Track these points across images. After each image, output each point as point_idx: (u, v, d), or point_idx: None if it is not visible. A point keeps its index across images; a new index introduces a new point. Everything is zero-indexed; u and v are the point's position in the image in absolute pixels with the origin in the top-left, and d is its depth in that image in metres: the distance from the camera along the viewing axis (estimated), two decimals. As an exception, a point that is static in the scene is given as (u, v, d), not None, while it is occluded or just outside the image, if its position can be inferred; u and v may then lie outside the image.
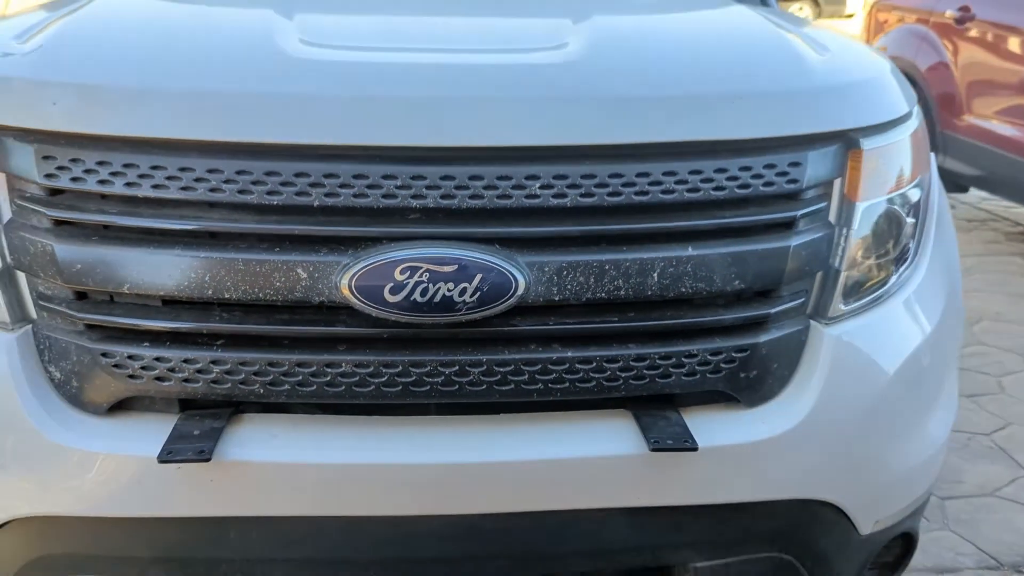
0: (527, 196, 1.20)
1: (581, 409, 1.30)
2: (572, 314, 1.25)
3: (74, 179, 1.20)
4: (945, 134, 5.12)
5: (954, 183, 5.09)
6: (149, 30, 1.52)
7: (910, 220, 1.44)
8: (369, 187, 1.18)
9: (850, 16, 17.67)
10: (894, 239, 1.42)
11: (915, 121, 1.50)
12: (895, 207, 1.41)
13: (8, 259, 1.23)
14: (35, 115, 1.22)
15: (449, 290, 1.17)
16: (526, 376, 1.23)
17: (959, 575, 2.17)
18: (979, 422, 2.95)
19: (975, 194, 5.91)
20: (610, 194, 1.22)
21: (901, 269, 1.44)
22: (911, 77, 5.23)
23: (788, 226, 1.31)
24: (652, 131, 1.25)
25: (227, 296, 1.19)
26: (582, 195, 1.21)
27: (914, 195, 1.46)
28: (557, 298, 1.22)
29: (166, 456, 1.16)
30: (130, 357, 1.20)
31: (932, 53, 5.28)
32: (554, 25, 1.61)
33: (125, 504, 1.21)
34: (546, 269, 1.21)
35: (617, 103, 1.27)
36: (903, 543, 1.55)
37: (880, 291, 1.41)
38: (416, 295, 1.17)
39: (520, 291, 1.19)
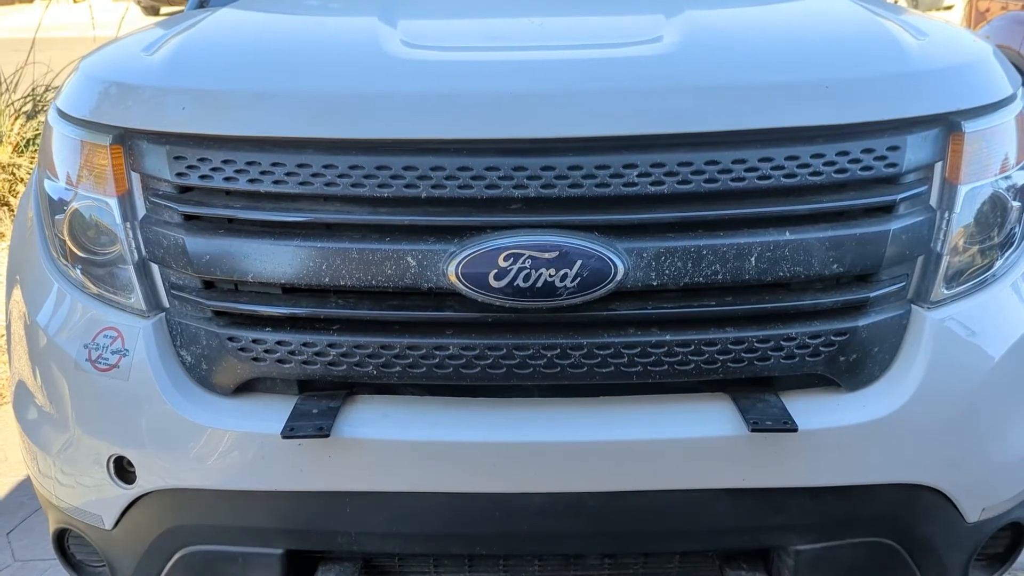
0: (625, 184, 1.24)
1: (680, 392, 1.33)
2: (670, 298, 1.28)
3: (202, 177, 1.29)
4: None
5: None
6: (263, 39, 1.63)
7: (1016, 204, 1.42)
8: (473, 179, 1.24)
9: (949, 8, 17.01)
10: (999, 223, 1.40)
11: (1020, 103, 1.47)
12: (999, 190, 1.39)
13: (144, 252, 1.34)
14: (167, 119, 1.32)
15: (550, 276, 1.22)
16: (626, 359, 1.27)
17: (1075, 576, 2.09)
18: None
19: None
20: (707, 181, 1.25)
21: (1007, 253, 1.41)
22: (1016, 66, 5.01)
23: (887, 210, 1.31)
24: (747, 119, 1.27)
25: (342, 283, 1.26)
26: (679, 182, 1.24)
27: (1019, 178, 1.43)
28: (655, 283, 1.25)
29: (289, 432, 1.24)
30: (254, 341, 1.29)
31: (1039, 40, 5.06)
32: (648, 20, 1.64)
33: (250, 478, 1.30)
34: (644, 255, 1.24)
35: (711, 92, 1.30)
36: (1012, 533, 1.51)
37: (984, 275, 1.39)
38: (519, 281, 1.22)
39: (619, 276, 1.23)
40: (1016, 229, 1.44)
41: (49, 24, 6.20)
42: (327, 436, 1.23)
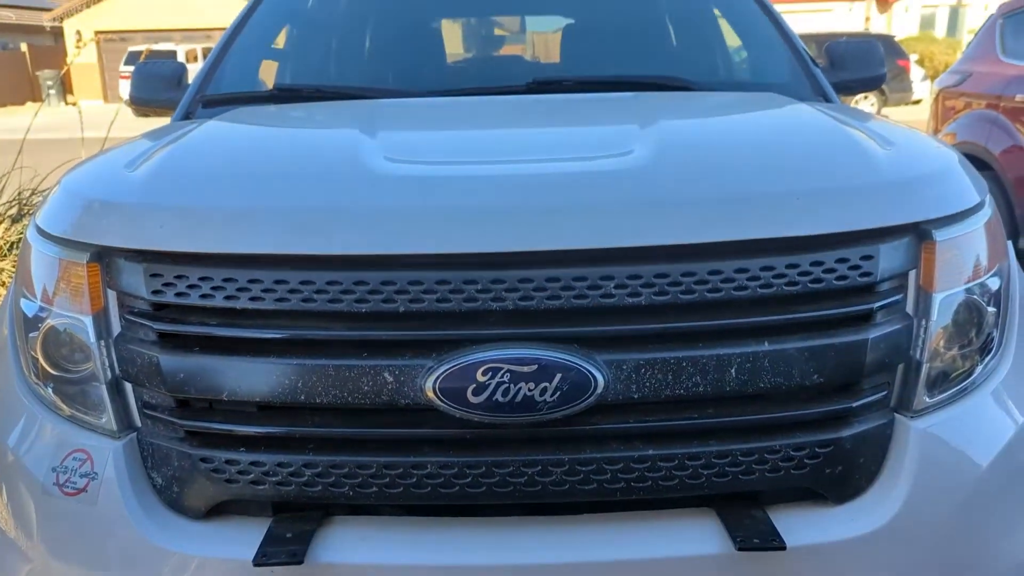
0: (603, 296, 1.24)
1: (664, 507, 1.30)
2: (652, 411, 1.27)
3: (178, 294, 1.29)
4: (1026, 216, 5.00)
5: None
6: (245, 154, 1.65)
7: (991, 309, 1.43)
8: (451, 292, 1.24)
9: (917, 102, 17.65)
10: (976, 329, 1.40)
11: (988, 210, 1.50)
12: (974, 297, 1.40)
13: (117, 370, 1.32)
14: (145, 237, 1.32)
15: (530, 390, 1.20)
16: (608, 475, 1.24)
17: None
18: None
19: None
20: (683, 292, 1.25)
21: (986, 359, 1.42)
22: (985, 162, 5.16)
23: (865, 319, 1.31)
24: (720, 230, 1.29)
25: (318, 401, 1.24)
26: (656, 294, 1.25)
27: (993, 284, 1.44)
28: (636, 396, 1.24)
29: (261, 559, 1.20)
30: (227, 462, 1.26)
31: (1005, 137, 5.22)
32: (623, 131, 1.68)
33: (220, 607, 1.25)
34: (624, 367, 1.23)
35: (684, 205, 1.32)
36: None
37: (966, 382, 1.38)
38: (498, 395, 1.20)
39: (600, 389, 1.22)
40: (994, 335, 1.44)
41: (40, 126, 6.30)
42: (301, 563, 1.19)
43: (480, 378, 1.21)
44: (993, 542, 1.35)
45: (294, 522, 1.26)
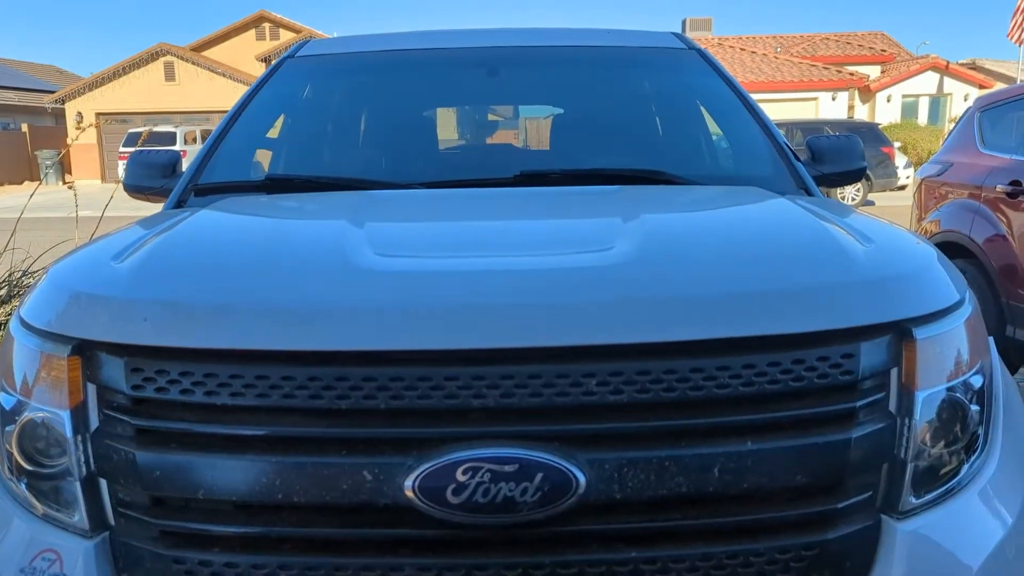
0: (584, 393, 1.24)
1: None
2: (634, 512, 1.25)
3: (158, 389, 1.28)
4: (1011, 305, 5.05)
5: (1026, 355, 4.96)
6: (231, 247, 1.66)
7: (975, 407, 1.42)
8: (432, 389, 1.23)
9: (902, 187, 17.98)
10: (960, 427, 1.40)
11: (968, 307, 1.51)
12: (957, 395, 1.40)
13: (92, 466, 1.30)
14: (127, 331, 1.32)
15: (510, 490, 1.19)
16: (590, 578, 1.22)
17: None
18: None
19: (1051, 364, 5.71)
20: (665, 390, 1.25)
21: (972, 458, 1.41)
22: (968, 250, 5.24)
23: (847, 417, 1.31)
24: (702, 328, 1.29)
25: (295, 500, 1.22)
26: (637, 391, 1.24)
27: (976, 382, 1.45)
28: (618, 496, 1.22)
29: None
30: (200, 563, 1.23)
31: (987, 226, 5.31)
32: (604, 226, 1.70)
33: None
34: (606, 466, 1.22)
35: (665, 303, 1.32)
36: None
37: (952, 482, 1.37)
38: (478, 496, 1.19)
39: (581, 490, 1.20)
40: (979, 432, 1.44)
41: (38, 204, 6.35)
42: None
43: (460, 477, 1.19)
44: (986, 649, 1.32)
45: None
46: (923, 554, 1.29)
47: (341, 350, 1.27)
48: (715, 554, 1.23)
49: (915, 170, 6.71)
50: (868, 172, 17.16)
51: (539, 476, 1.20)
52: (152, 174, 2.59)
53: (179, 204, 2.35)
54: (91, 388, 1.33)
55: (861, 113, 30.34)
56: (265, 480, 1.23)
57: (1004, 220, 5.16)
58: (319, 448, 1.24)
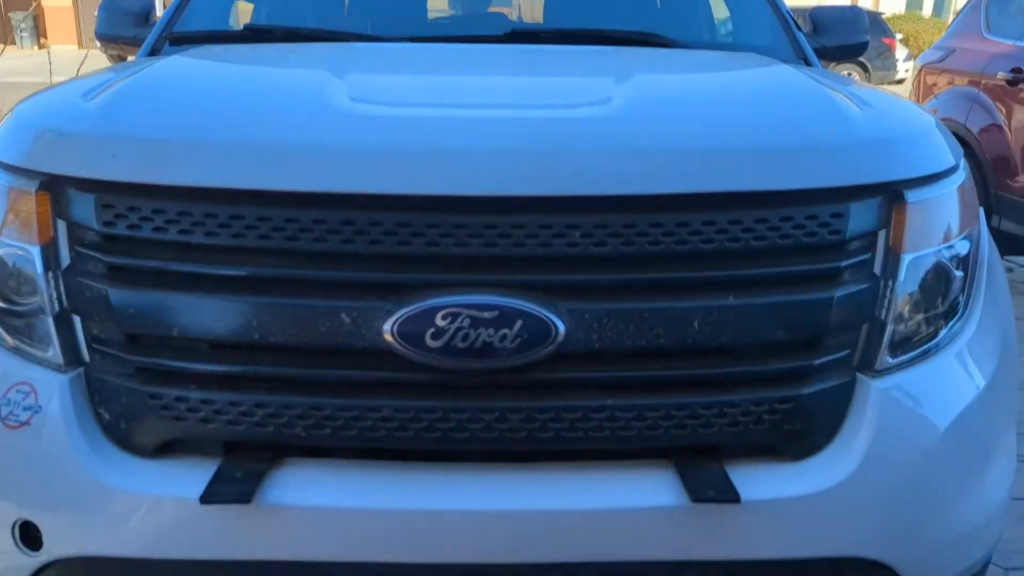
0: (568, 245, 1.22)
1: (622, 459, 1.29)
2: (613, 362, 1.25)
3: (130, 227, 1.24)
4: (1000, 195, 5.04)
5: (1010, 245, 4.98)
6: (207, 88, 1.60)
7: (959, 273, 1.42)
8: (413, 235, 1.21)
9: (900, 82, 17.66)
10: (942, 292, 1.40)
11: (962, 174, 1.49)
12: (942, 260, 1.39)
13: (65, 303, 1.28)
14: (96, 166, 1.27)
15: (489, 336, 1.18)
16: (566, 424, 1.23)
17: (1025, 650, 2.06)
18: (1043, 490, 2.82)
19: (1033, 257, 5.76)
20: (650, 243, 1.23)
21: (951, 323, 1.41)
22: (963, 139, 5.17)
23: (831, 277, 1.30)
24: (692, 182, 1.26)
25: (272, 340, 1.21)
26: (622, 244, 1.22)
27: (962, 248, 1.43)
28: (597, 346, 1.22)
29: (208, 497, 1.17)
30: (177, 399, 1.23)
31: (984, 115, 5.23)
32: (597, 82, 1.64)
33: (167, 546, 1.22)
34: (586, 317, 1.21)
35: (656, 154, 1.29)
36: (959, 611, 1.48)
37: (929, 344, 1.38)
38: (457, 341, 1.18)
39: (560, 338, 1.20)
40: (960, 299, 1.44)
41: (12, 69, 6.16)
42: (249, 502, 1.17)
43: (439, 323, 1.18)
44: (949, 503, 1.36)
45: (245, 462, 1.24)
46: (894, 412, 1.31)
47: (319, 191, 1.23)
48: (690, 404, 1.24)
49: (915, 63, 6.55)
50: (867, 63, 16.82)
51: (519, 323, 1.19)
52: (124, 22, 2.48)
53: (153, 53, 2.26)
54: (61, 225, 1.30)
55: (865, 2, 29.47)
56: (241, 320, 1.21)
57: (1002, 109, 5.08)
58: (296, 290, 1.22)
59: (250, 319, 1.21)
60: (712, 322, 1.24)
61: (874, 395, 1.30)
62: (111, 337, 1.27)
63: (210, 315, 1.22)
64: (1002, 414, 1.49)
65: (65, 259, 1.29)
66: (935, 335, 1.39)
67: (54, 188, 1.29)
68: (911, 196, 1.35)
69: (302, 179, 1.24)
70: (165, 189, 1.25)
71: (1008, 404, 1.52)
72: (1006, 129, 5.10)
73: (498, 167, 1.25)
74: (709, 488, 1.21)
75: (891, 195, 1.34)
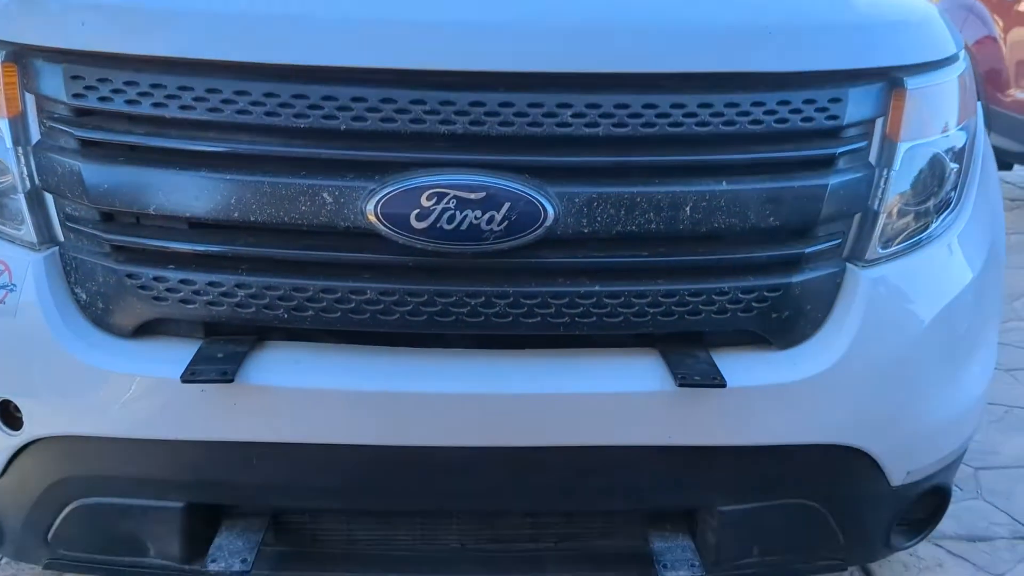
0: (558, 124, 1.18)
1: (609, 345, 1.28)
2: (601, 247, 1.23)
3: (102, 99, 1.19)
4: (991, 109, 4.99)
5: (999, 160, 4.95)
6: None
7: (953, 165, 1.39)
8: (397, 111, 1.16)
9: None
10: (937, 183, 1.37)
11: (962, 63, 1.44)
12: (939, 151, 1.36)
13: (36, 180, 1.23)
14: (64, 35, 1.21)
15: (476, 218, 1.15)
16: (553, 309, 1.21)
17: (992, 544, 2.12)
18: (1017, 396, 2.88)
19: (1020, 172, 5.76)
20: (644, 125, 1.19)
21: (943, 215, 1.39)
22: (957, 50, 5.08)
23: (826, 164, 1.27)
24: (688, 61, 1.22)
25: (253, 220, 1.18)
26: (615, 125, 1.18)
27: (959, 140, 1.41)
28: (586, 230, 1.19)
29: (189, 376, 1.16)
30: (155, 279, 1.20)
31: (980, 27, 5.13)
32: None
33: (148, 426, 1.21)
34: (576, 200, 1.18)
35: (653, 31, 1.23)
36: (935, 498, 1.51)
37: (920, 236, 1.36)
38: (443, 222, 1.15)
39: (549, 221, 1.17)
40: (953, 192, 1.42)
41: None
42: (231, 381, 1.15)
43: (425, 203, 1.15)
44: (930, 394, 1.37)
45: (226, 343, 1.22)
46: (881, 301, 1.30)
47: (300, 64, 1.17)
48: (678, 291, 1.22)
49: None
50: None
51: (507, 205, 1.15)
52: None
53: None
54: (30, 98, 1.24)
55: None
56: (219, 198, 1.17)
57: (998, 22, 4.99)
58: (276, 168, 1.18)
59: (228, 197, 1.17)
60: (704, 207, 1.21)
61: (863, 285, 1.29)
62: (85, 215, 1.23)
63: (187, 193, 1.18)
64: (987, 310, 1.49)
65: (35, 134, 1.24)
66: (927, 227, 1.37)
67: (21, 59, 1.23)
68: (911, 83, 1.31)
69: (282, 51, 1.18)
70: (137, 59, 1.19)
71: (993, 300, 1.52)
72: (1000, 42, 5.02)
73: (485, 41, 1.20)
74: (695, 373, 1.21)
75: (891, 81, 1.30)
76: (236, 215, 1.17)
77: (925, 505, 1.52)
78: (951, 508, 1.59)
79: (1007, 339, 3.27)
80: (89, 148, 1.21)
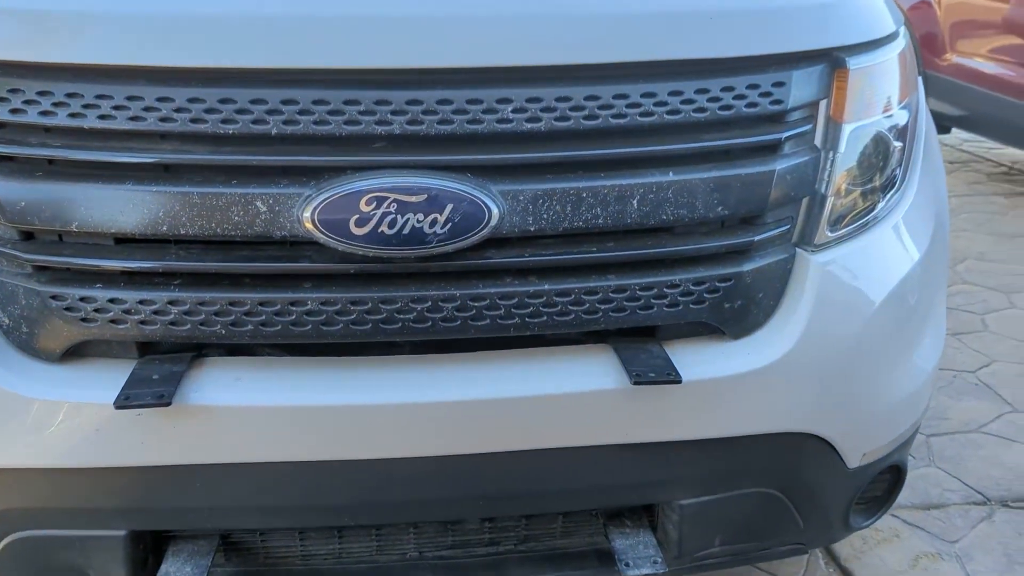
0: (499, 121, 1.14)
1: (561, 344, 1.25)
2: (549, 245, 1.20)
3: (13, 111, 1.12)
4: (927, 74, 5.06)
5: (937, 124, 5.04)
6: None
7: (898, 144, 1.39)
8: (330, 113, 1.11)
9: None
10: (882, 163, 1.37)
11: (903, 40, 1.44)
12: (883, 130, 1.36)
13: None
14: None
15: (419, 221, 1.11)
16: (502, 310, 1.18)
17: (946, 511, 2.17)
18: (964, 360, 2.94)
19: (957, 135, 5.88)
20: (586, 117, 1.16)
21: (889, 194, 1.39)
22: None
23: (773, 149, 1.25)
24: (629, 50, 1.18)
25: (183, 232, 1.12)
26: (557, 119, 1.15)
27: (902, 117, 1.40)
28: (533, 228, 1.16)
29: (123, 402, 1.10)
30: (82, 299, 1.14)
31: (915, -8, 5.19)
32: None
33: (83, 454, 1.15)
34: (521, 198, 1.15)
35: (592, 21, 1.20)
36: (891, 476, 1.53)
37: (867, 217, 1.36)
38: (384, 227, 1.11)
39: (494, 221, 1.13)
40: (898, 171, 1.41)
41: None
42: (168, 404, 1.10)
43: (364, 208, 1.10)
44: (884, 375, 1.37)
45: (162, 363, 1.16)
46: (832, 285, 1.29)
47: (225, 67, 1.11)
48: (629, 286, 1.20)
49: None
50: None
51: (449, 207, 1.12)
52: None
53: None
54: None
55: None
56: (147, 212, 1.11)
57: (933, -14, 5.05)
58: (205, 177, 1.12)
59: (156, 210, 1.11)
60: (651, 199, 1.18)
61: (814, 270, 1.28)
62: (3, 234, 1.16)
63: (112, 207, 1.12)
64: (935, 285, 1.50)
65: None
66: (874, 207, 1.37)
67: None
68: (853, 63, 1.30)
69: (205, 53, 1.11)
70: (50, 68, 1.12)
71: (941, 275, 1.53)
72: (935, 6, 5.09)
73: (420, 37, 1.15)
74: (650, 370, 1.19)
75: (833, 62, 1.29)
76: (165, 229, 1.12)
77: (882, 483, 1.53)
78: (906, 478, 1.61)
79: (952, 303, 3.34)
80: (3, 163, 1.14)
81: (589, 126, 1.16)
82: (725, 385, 1.24)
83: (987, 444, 2.45)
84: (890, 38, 1.39)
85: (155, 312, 1.13)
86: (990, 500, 2.20)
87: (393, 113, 1.12)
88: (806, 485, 1.38)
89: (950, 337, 3.07)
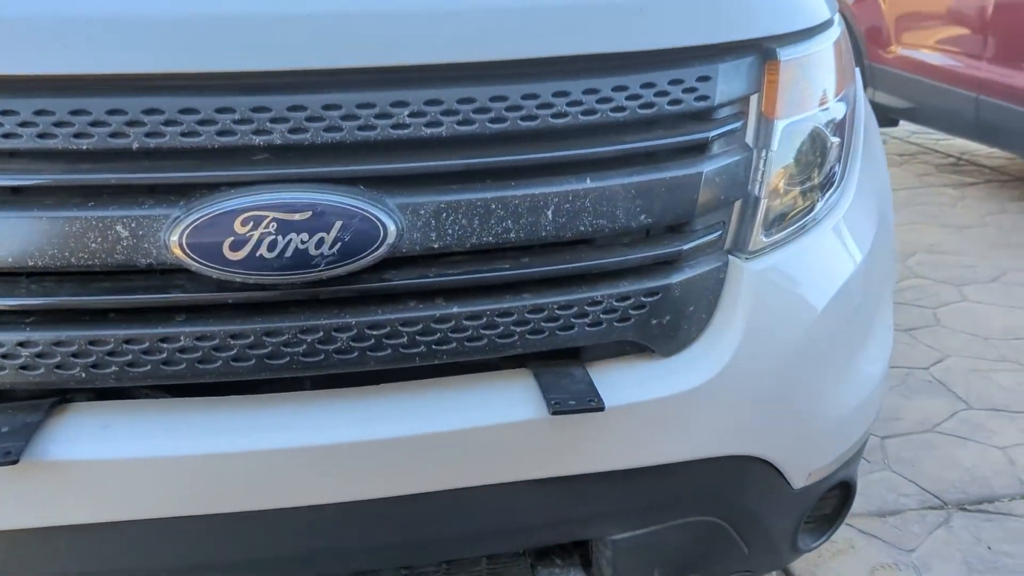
0: (394, 126, 1.01)
1: (477, 370, 1.13)
2: (456, 263, 1.08)
3: None
4: (873, 66, 5.04)
5: (884, 116, 5.03)
6: None
7: (835, 139, 1.29)
8: (200, 123, 0.98)
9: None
10: (819, 160, 1.27)
11: (837, 29, 1.35)
12: (819, 125, 1.26)
13: None
14: None
15: (303, 242, 0.98)
16: (404, 338, 1.06)
17: (902, 517, 2.09)
18: (916, 356, 2.88)
19: (905, 128, 5.88)
20: (492, 120, 1.04)
21: (827, 194, 1.29)
22: (843, 15, 5.11)
23: (699, 149, 1.15)
24: (537, 45, 1.07)
25: (32, 264, 0.98)
26: (460, 123, 1.03)
27: (839, 111, 1.31)
28: (436, 245, 1.04)
29: None
30: None
31: (858, -16, 5.17)
32: None
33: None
34: (421, 212, 1.03)
35: (496, 13, 1.08)
36: (841, 493, 1.43)
37: (805, 219, 1.26)
38: (263, 250, 0.98)
39: (391, 239, 1.01)
40: (836, 167, 1.32)
41: None
42: (16, 462, 0.96)
43: (239, 229, 0.97)
44: (829, 388, 1.27)
45: (14, 413, 1.02)
46: (769, 294, 1.19)
47: (74, 74, 0.98)
48: (546, 305, 1.09)
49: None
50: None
51: (338, 224, 0.99)
52: None
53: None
54: None
55: None
56: None
57: (875, -22, 5.03)
58: (56, 200, 0.99)
59: (3, 239, 0.97)
60: (568, 209, 1.07)
61: (748, 278, 1.18)
62: None
63: None
64: (880, 286, 1.41)
65: None
66: (812, 208, 1.27)
67: None
68: (784, 54, 1.20)
69: (51, 59, 0.98)
70: None
71: (886, 276, 1.44)
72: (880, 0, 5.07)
73: (301, 33, 1.02)
74: (570, 397, 1.07)
75: (763, 54, 1.19)
76: (11, 260, 0.98)
77: (831, 501, 1.44)
78: (860, 484, 1.52)
79: (903, 298, 3.29)
80: None
81: (496, 130, 1.04)
82: (655, 408, 1.13)
83: (942, 444, 2.38)
84: (824, 26, 1.30)
85: (2, 355, 0.99)
86: (947, 504, 2.13)
87: (273, 121, 0.99)
88: (749, 510, 1.28)
89: (902, 332, 3.01)
